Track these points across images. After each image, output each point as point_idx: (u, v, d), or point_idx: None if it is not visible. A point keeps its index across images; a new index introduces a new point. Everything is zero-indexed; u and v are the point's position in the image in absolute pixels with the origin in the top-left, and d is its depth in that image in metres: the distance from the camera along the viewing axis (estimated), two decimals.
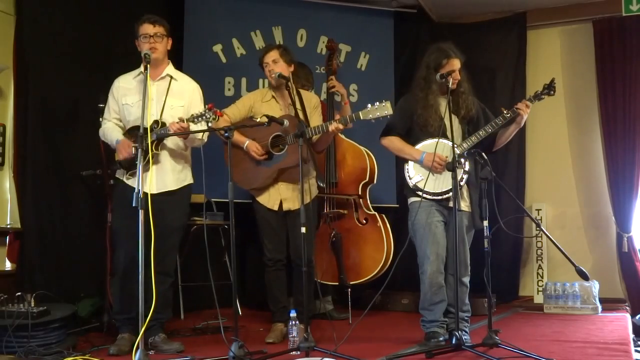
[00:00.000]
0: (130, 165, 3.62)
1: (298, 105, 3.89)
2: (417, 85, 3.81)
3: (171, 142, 3.67)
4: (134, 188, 3.54)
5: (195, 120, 3.44)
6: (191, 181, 3.80)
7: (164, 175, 3.64)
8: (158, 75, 3.70)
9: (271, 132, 3.91)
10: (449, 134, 3.58)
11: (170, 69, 3.76)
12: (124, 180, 3.70)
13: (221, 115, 3.54)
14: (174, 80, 3.74)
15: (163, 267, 3.58)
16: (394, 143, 3.82)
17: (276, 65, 3.96)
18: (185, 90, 3.77)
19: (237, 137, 3.91)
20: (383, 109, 3.61)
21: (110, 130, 3.73)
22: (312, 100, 4.10)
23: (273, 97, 4.08)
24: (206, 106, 3.46)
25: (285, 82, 3.94)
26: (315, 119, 4.01)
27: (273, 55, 3.99)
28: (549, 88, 3.77)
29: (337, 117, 3.78)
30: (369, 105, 3.64)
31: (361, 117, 3.66)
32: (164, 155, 3.66)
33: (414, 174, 3.74)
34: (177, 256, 4.00)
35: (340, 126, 3.75)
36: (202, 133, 3.57)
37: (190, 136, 3.59)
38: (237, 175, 3.93)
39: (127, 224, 3.54)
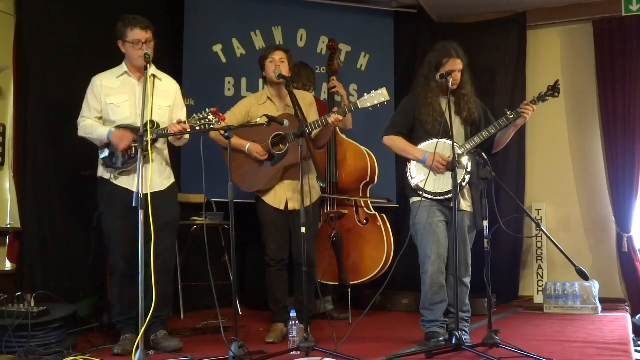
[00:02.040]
0: (113, 165, 3.60)
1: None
2: (418, 82, 3.82)
3: (160, 144, 3.67)
4: (124, 188, 3.57)
5: (198, 123, 3.43)
6: (174, 179, 3.82)
7: (152, 176, 3.62)
8: (142, 75, 3.66)
9: (270, 132, 3.91)
10: (450, 133, 3.58)
11: (152, 68, 3.72)
12: (111, 180, 3.65)
13: (224, 119, 3.54)
14: (158, 80, 3.74)
15: (161, 267, 3.58)
16: (396, 143, 3.82)
17: (282, 64, 3.99)
18: (170, 90, 3.78)
19: (237, 141, 3.90)
20: (380, 96, 3.63)
21: (96, 126, 3.66)
22: (306, 99, 4.11)
23: (269, 98, 4.08)
24: (210, 109, 3.45)
25: (284, 82, 3.93)
26: (312, 117, 4.00)
27: (281, 54, 4.02)
28: (554, 90, 3.76)
29: (336, 109, 3.78)
30: (366, 94, 3.66)
31: (359, 106, 3.68)
32: (154, 157, 3.65)
33: (416, 173, 3.74)
34: (175, 254, 3.99)
35: (340, 117, 3.75)
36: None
37: (182, 137, 3.60)
38: (240, 179, 3.94)
39: (120, 225, 3.55)
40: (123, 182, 3.63)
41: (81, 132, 3.74)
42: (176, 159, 4.61)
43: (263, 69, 4.08)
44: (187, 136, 3.66)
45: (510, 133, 3.78)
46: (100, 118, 3.72)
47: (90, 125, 3.69)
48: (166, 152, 3.76)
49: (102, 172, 3.71)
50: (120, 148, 3.58)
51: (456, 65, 3.69)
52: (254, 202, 4.12)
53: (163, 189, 3.69)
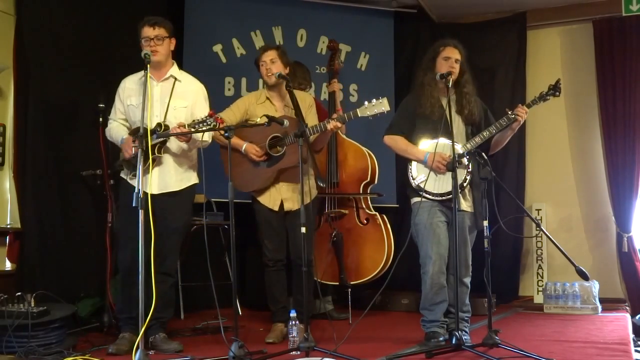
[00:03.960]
0: (134, 166, 3.62)
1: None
2: (417, 76, 3.83)
3: (175, 145, 3.67)
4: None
5: (196, 127, 3.43)
6: (196, 181, 3.80)
7: (166, 176, 3.64)
8: (162, 76, 3.70)
9: (268, 133, 3.90)
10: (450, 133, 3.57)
11: (174, 69, 3.75)
12: (128, 180, 3.70)
13: (222, 122, 3.54)
14: (178, 82, 3.73)
15: (164, 267, 3.59)
16: (397, 143, 3.82)
17: (273, 65, 3.95)
18: (189, 91, 3.76)
19: (234, 140, 3.88)
20: (380, 106, 3.62)
21: (116, 130, 3.75)
22: (306, 100, 4.09)
23: (267, 98, 4.06)
24: (207, 114, 3.45)
25: (284, 82, 3.93)
26: (311, 118, 4.00)
27: (271, 54, 3.97)
28: (554, 89, 3.77)
29: (335, 115, 3.78)
30: (366, 103, 3.65)
31: (359, 115, 3.67)
32: (167, 157, 3.66)
33: (417, 174, 3.74)
34: (178, 256, 4.00)
35: (339, 124, 3.76)
36: (203, 135, 3.57)
37: (192, 139, 3.60)
38: (235, 178, 3.92)
39: (131, 224, 3.55)
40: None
41: (107, 134, 3.85)
42: None
43: (259, 71, 4.07)
44: (205, 138, 3.64)
45: (508, 135, 3.80)
46: (126, 120, 3.77)
47: (112, 128, 3.77)
48: (189, 153, 3.73)
49: (122, 172, 3.77)
50: (125, 156, 3.64)
51: (453, 53, 3.69)
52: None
53: (178, 189, 3.69)
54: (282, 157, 3.92)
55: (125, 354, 3.43)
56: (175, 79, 3.73)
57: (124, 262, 3.67)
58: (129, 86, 3.75)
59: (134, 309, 3.41)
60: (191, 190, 3.78)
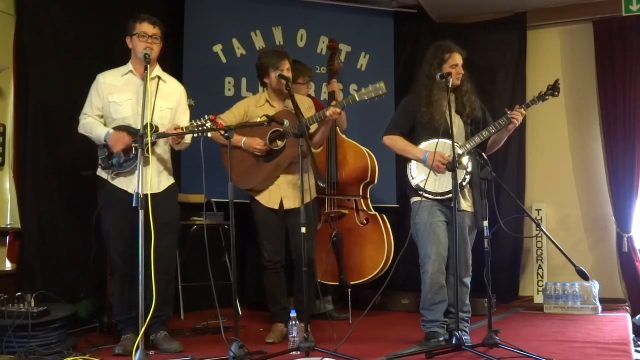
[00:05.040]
0: (111, 165, 3.60)
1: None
2: (420, 83, 3.81)
3: (160, 145, 3.67)
4: (122, 189, 3.57)
5: (196, 129, 3.43)
6: (173, 181, 3.82)
7: (148, 177, 3.62)
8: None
9: (268, 131, 3.91)
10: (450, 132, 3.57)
11: (158, 70, 3.75)
12: (109, 180, 3.66)
13: (222, 127, 3.54)
14: (162, 82, 3.74)
15: (161, 266, 3.58)
16: (397, 142, 3.82)
17: (289, 73, 3.95)
18: (174, 93, 3.78)
19: (234, 137, 3.89)
20: (377, 90, 3.65)
21: (95, 125, 3.67)
22: (304, 102, 4.10)
23: (267, 101, 4.07)
24: (208, 117, 3.44)
25: (285, 82, 3.92)
26: None
27: (287, 64, 3.95)
28: (553, 89, 3.78)
29: (334, 102, 3.78)
30: (363, 88, 3.69)
31: (357, 99, 3.69)
32: (152, 158, 3.65)
33: (417, 173, 3.74)
34: (175, 254, 4.00)
35: (338, 110, 3.75)
36: (188, 137, 3.58)
37: (182, 140, 3.61)
38: (237, 175, 3.93)
39: (117, 225, 3.56)
40: (120, 182, 3.63)
41: (81, 129, 3.75)
42: (176, 159, 4.61)
43: (266, 75, 4.02)
44: (187, 140, 3.66)
45: (503, 137, 3.80)
46: (101, 116, 3.72)
47: (89, 123, 3.70)
48: (165, 155, 3.75)
49: (100, 172, 3.72)
50: (115, 150, 3.59)
51: (458, 59, 3.71)
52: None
53: (159, 190, 3.67)
54: (283, 150, 3.93)
55: (131, 354, 3.43)
56: (160, 78, 3.73)
57: (117, 265, 3.66)
58: (110, 82, 3.71)
59: (133, 309, 3.41)
60: (173, 189, 3.79)
